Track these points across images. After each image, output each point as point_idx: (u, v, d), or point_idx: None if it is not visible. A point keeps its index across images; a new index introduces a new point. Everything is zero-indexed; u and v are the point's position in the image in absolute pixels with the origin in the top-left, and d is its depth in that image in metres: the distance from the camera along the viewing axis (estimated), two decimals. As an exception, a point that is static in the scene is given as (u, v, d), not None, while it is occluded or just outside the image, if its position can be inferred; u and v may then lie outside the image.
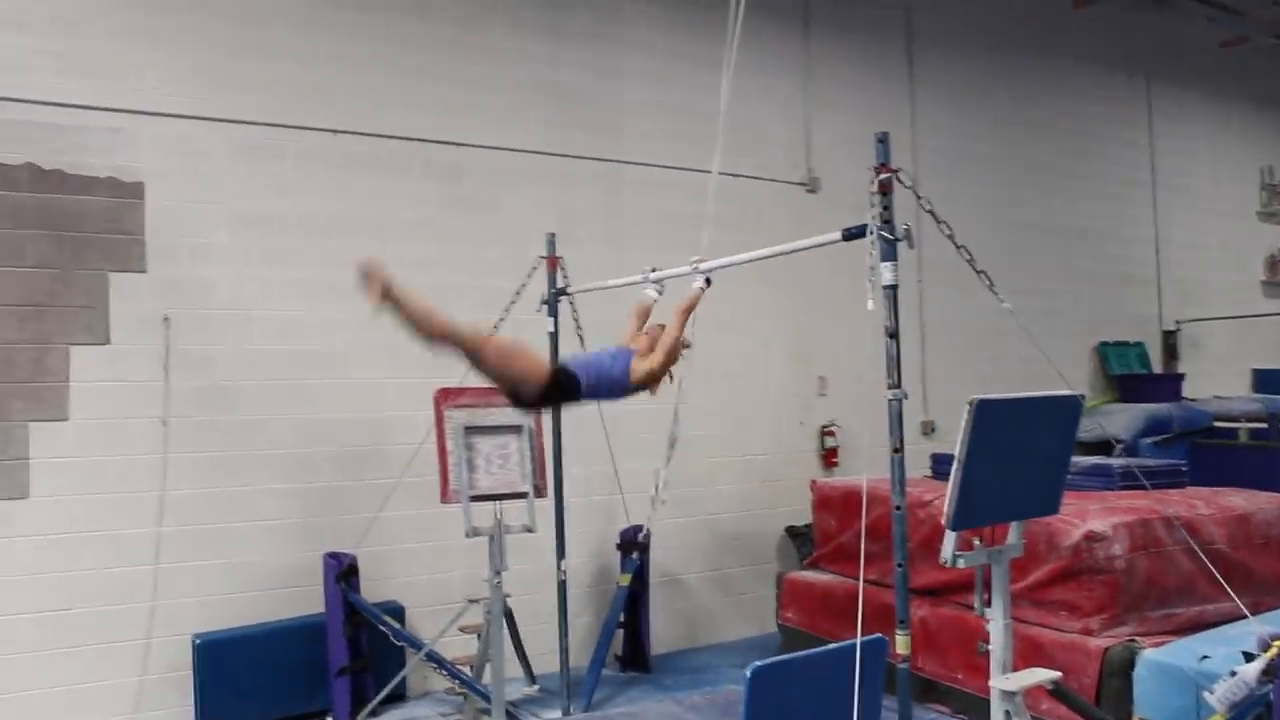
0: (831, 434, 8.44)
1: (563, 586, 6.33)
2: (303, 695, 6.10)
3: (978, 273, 4.01)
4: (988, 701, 3.93)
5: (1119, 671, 5.02)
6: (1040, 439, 4.12)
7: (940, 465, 6.91)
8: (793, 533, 8.07)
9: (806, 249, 4.35)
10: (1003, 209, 9.80)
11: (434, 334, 4.05)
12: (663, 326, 4.39)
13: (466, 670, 6.04)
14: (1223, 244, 12.01)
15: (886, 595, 4.17)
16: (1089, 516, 5.45)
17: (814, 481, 7.55)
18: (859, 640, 2.87)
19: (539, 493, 5.98)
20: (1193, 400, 10.18)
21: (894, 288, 3.76)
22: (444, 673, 6.04)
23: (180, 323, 6.05)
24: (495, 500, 5.77)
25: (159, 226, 6.03)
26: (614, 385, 4.26)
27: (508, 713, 5.79)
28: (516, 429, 5.92)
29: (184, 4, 6.17)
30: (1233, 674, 3.88)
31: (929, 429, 8.91)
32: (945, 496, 3.79)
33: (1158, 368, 11.07)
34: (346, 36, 6.65)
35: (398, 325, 3.98)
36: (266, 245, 6.34)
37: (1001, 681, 3.85)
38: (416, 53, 6.88)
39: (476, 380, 5.85)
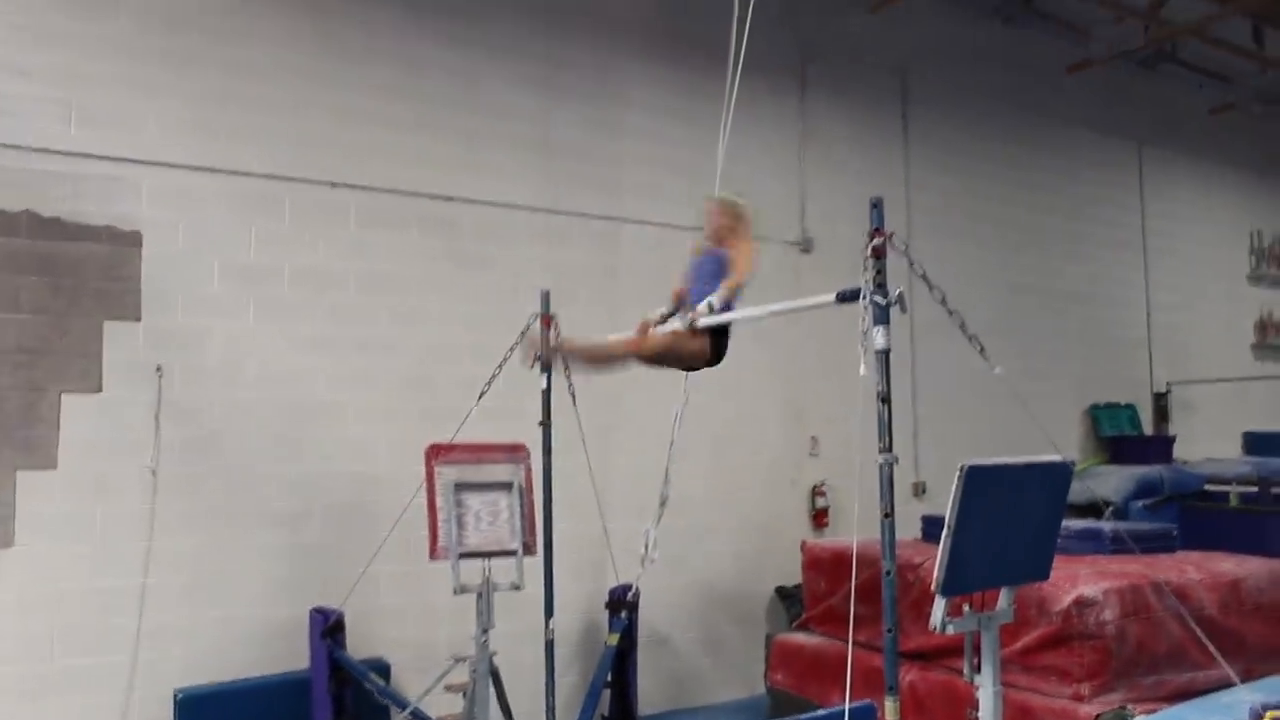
0: (822, 494, 8.43)
1: (550, 645, 6.27)
2: (285, 752, 6.01)
3: (969, 338, 4.03)
4: (978, 770, 3.89)
5: (1110, 739, 4.99)
6: (1031, 504, 4.12)
7: (931, 527, 6.89)
8: (783, 593, 8.03)
9: (800, 310, 4.38)
10: (996, 270, 9.88)
11: (599, 364, 5.17)
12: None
13: (452, 729, 5.97)
14: (1213, 307, 12.09)
15: (876, 659, 4.14)
16: (1079, 581, 5.43)
17: (804, 542, 7.52)
18: (847, 707, 2.84)
19: (528, 550, 5.94)
20: (1184, 463, 10.19)
21: (886, 352, 3.78)
22: (429, 731, 5.97)
23: (173, 372, 6.04)
24: (484, 558, 5.74)
25: (155, 276, 6.04)
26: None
27: (492, 773, 5.72)
28: (507, 486, 5.91)
29: (186, 56, 6.24)
30: (1224, 745, 3.85)
31: (920, 490, 8.90)
32: (935, 559, 3.78)
33: (1149, 430, 11.09)
34: (345, 90, 6.72)
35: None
36: (261, 296, 6.36)
37: (992, 750, 3.82)
38: (414, 107, 6.95)
39: (468, 436, 5.92)
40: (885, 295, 3.74)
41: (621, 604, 6.85)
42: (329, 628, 5.96)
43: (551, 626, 6.23)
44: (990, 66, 10.16)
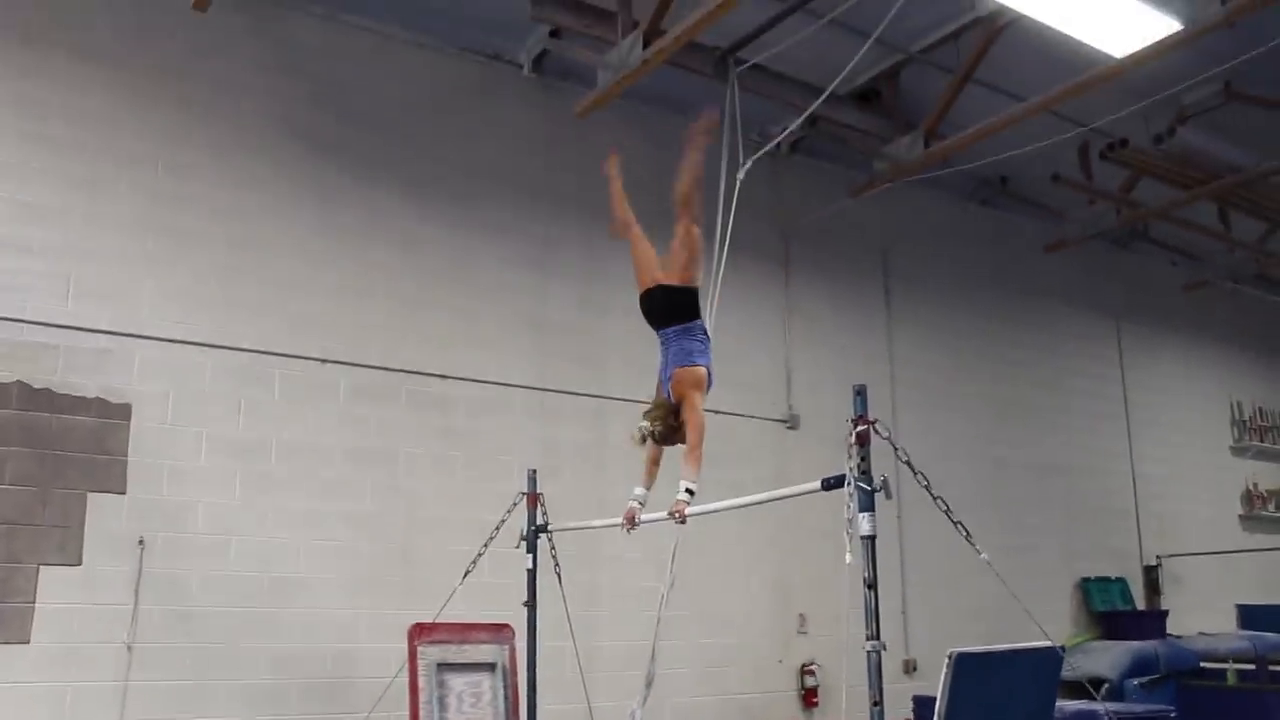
0: (811, 673, 8.26)
1: (533, 834, 6.05)
2: None
3: (954, 524, 4.04)
4: None
5: None
6: (1022, 690, 4.07)
7: (922, 709, 6.74)
8: (773, 776, 7.79)
9: (785, 497, 4.41)
10: (981, 443, 9.94)
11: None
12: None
13: None
14: (1199, 478, 12.12)
15: None
16: (1076, 769, 5.30)
17: (794, 723, 7.35)
18: None
19: (511, 732, 5.80)
20: (1178, 637, 10.04)
21: (872, 539, 3.78)
22: None
23: (155, 545, 5.99)
24: (466, 740, 5.60)
25: (142, 448, 6.06)
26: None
27: None
28: (490, 667, 5.81)
29: (186, 232, 6.42)
30: None
31: (910, 667, 8.74)
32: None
33: (1140, 603, 10.97)
34: (337, 268, 6.89)
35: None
36: (248, 471, 6.36)
37: None
38: (406, 284, 7.11)
39: (451, 614, 5.84)
40: (870, 482, 3.77)
41: (606, 789, 6.63)
42: (303, 815, 5.75)
43: (534, 814, 6.03)
44: (969, 246, 10.46)
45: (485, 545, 6.04)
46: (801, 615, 8.34)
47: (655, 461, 5.22)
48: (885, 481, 3.79)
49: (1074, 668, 7.93)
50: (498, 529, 6.12)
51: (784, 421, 8.67)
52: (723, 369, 7.34)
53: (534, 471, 6.33)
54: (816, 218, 8.93)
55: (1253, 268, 11.37)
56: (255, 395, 6.47)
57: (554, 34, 7.39)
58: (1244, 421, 12.87)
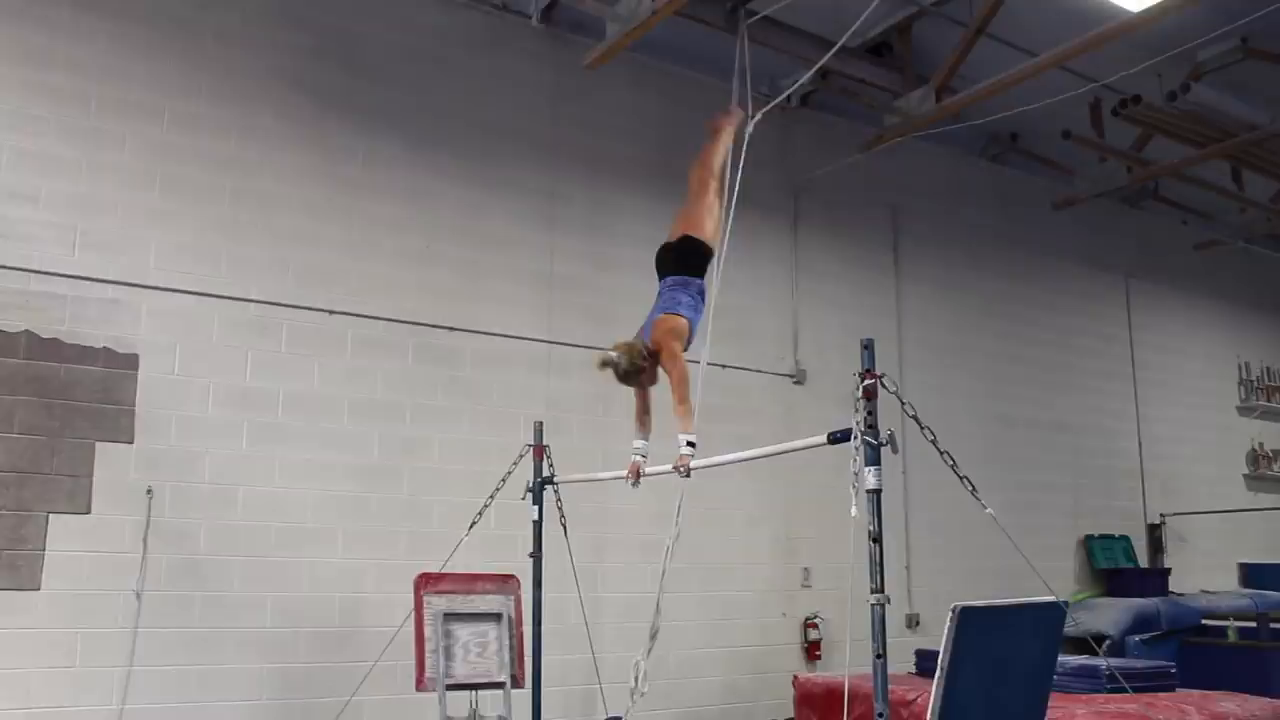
0: (815, 626, 8.33)
1: (537, 780, 6.13)
2: None
3: (960, 478, 4.05)
4: None
5: None
6: (1024, 647, 4.09)
7: (924, 662, 6.80)
8: (775, 727, 7.87)
9: (792, 451, 4.42)
10: (987, 401, 9.94)
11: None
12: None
13: None
14: (1205, 438, 12.12)
15: (870, 800, 4.05)
16: (1076, 723, 5.34)
17: (796, 677, 7.39)
18: None
19: (516, 683, 5.85)
20: (1180, 595, 10.10)
21: (878, 493, 3.79)
22: None
23: (164, 495, 6.03)
24: (471, 689, 5.65)
25: (150, 398, 6.08)
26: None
27: None
28: (496, 617, 5.85)
29: (192, 185, 6.39)
30: None
31: (913, 622, 8.80)
32: (929, 693, 3.73)
33: (1144, 561, 11.01)
34: (343, 220, 6.87)
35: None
36: (255, 422, 6.38)
37: None
38: (416, 238, 7.09)
39: (458, 566, 5.88)
40: (876, 436, 3.77)
41: (611, 738, 6.71)
42: (311, 760, 5.83)
43: (539, 762, 6.11)
44: (979, 202, 10.40)
45: (491, 497, 6.07)
46: (806, 569, 8.39)
47: (646, 410, 5.33)
48: (891, 435, 3.79)
49: (1076, 623, 8.01)
50: (504, 481, 6.16)
51: (790, 376, 8.67)
52: (730, 323, 7.38)
53: (540, 424, 6.36)
54: (826, 172, 8.87)
55: (1265, 227, 11.30)
56: (262, 347, 6.48)
57: (563, -15, 7.33)
58: (1251, 381, 12.85)
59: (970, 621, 3.72)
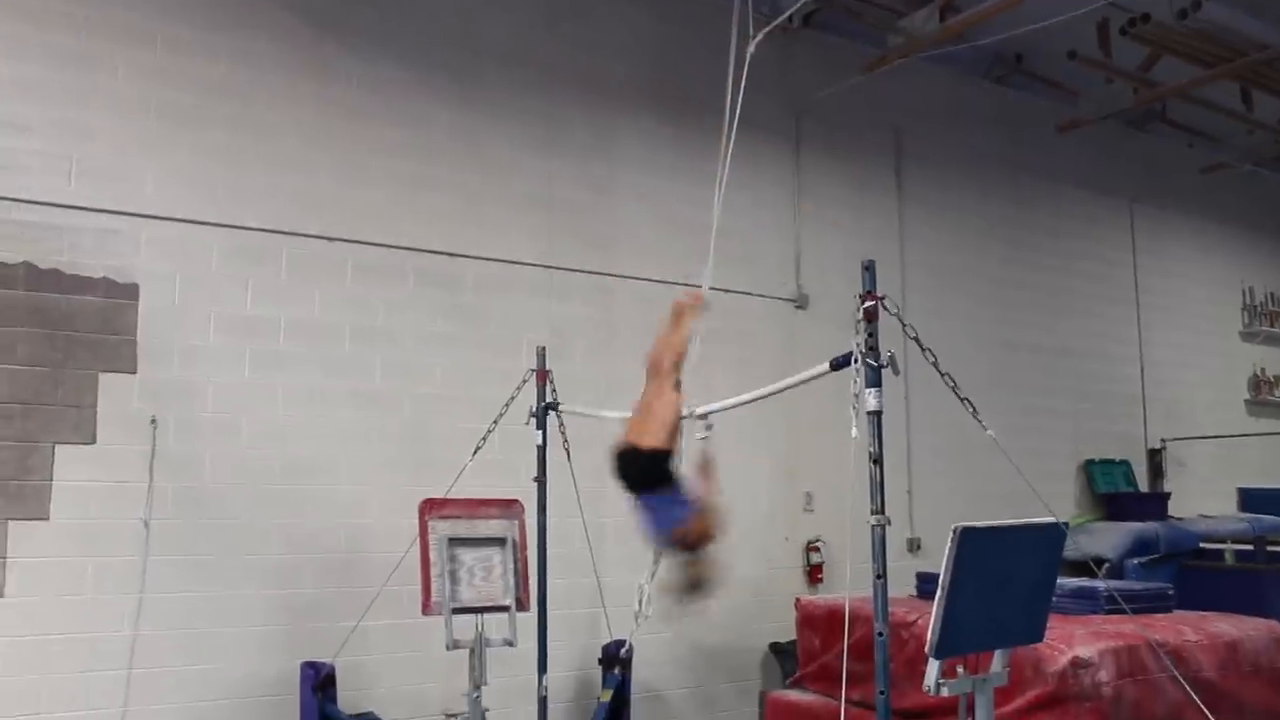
0: (817, 550, 8.41)
1: (544, 702, 6.23)
2: (273, 810, 5.94)
3: (961, 400, 4.05)
4: (972, 835, 3.86)
5: (1106, 803, 4.93)
6: (1025, 566, 4.13)
7: (925, 585, 6.86)
8: (777, 649, 7.97)
9: (795, 385, 4.43)
10: (989, 326, 9.92)
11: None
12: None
13: (442, 787, 5.91)
14: (1207, 363, 12.12)
15: (871, 717, 4.11)
16: (1075, 642, 5.38)
17: (798, 599, 7.47)
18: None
19: (521, 606, 5.92)
20: (1179, 520, 10.17)
21: (878, 414, 3.79)
22: (419, 789, 5.90)
23: (168, 425, 6.04)
24: (477, 613, 5.72)
25: (151, 328, 6.06)
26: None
27: (483, 832, 5.65)
28: (500, 541, 5.89)
29: (187, 112, 6.31)
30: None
31: (914, 546, 8.88)
32: (930, 615, 3.78)
33: (1144, 486, 11.08)
34: (346, 148, 6.79)
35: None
36: (257, 350, 6.38)
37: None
38: (413, 163, 7.02)
39: (462, 491, 5.92)
40: (877, 359, 3.76)
41: (615, 660, 6.79)
42: (320, 682, 5.90)
43: (545, 683, 6.20)
44: (982, 125, 10.28)
45: (495, 422, 6.09)
46: (808, 493, 8.45)
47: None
48: (892, 357, 3.78)
49: (1076, 546, 8.08)
50: (507, 406, 6.17)
51: (792, 301, 8.64)
52: (731, 248, 7.34)
53: (543, 349, 6.36)
54: (828, 94, 8.76)
55: (1273, 150, 11.17)
56: (262, 274, 6.45)
57: (560, -99, 7.17)
58: (1255, 306, 12.81)
59: (971, 542, 3.75)
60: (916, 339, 3.95)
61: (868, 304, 3.82)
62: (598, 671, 6.92)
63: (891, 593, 3.92)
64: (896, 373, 3.78)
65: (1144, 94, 9.65)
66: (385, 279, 6.84)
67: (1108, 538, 9.23)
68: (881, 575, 3.77)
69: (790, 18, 7.52)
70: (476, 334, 7.12)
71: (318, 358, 6.54)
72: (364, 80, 6.90)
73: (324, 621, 6.25)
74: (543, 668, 6.18)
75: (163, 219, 6.16)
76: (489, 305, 7.20)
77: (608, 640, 6.85)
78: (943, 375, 4.01)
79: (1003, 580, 3.96)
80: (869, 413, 3.78)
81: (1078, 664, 5.26)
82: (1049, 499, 4.71)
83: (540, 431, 6.25)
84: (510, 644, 5.73)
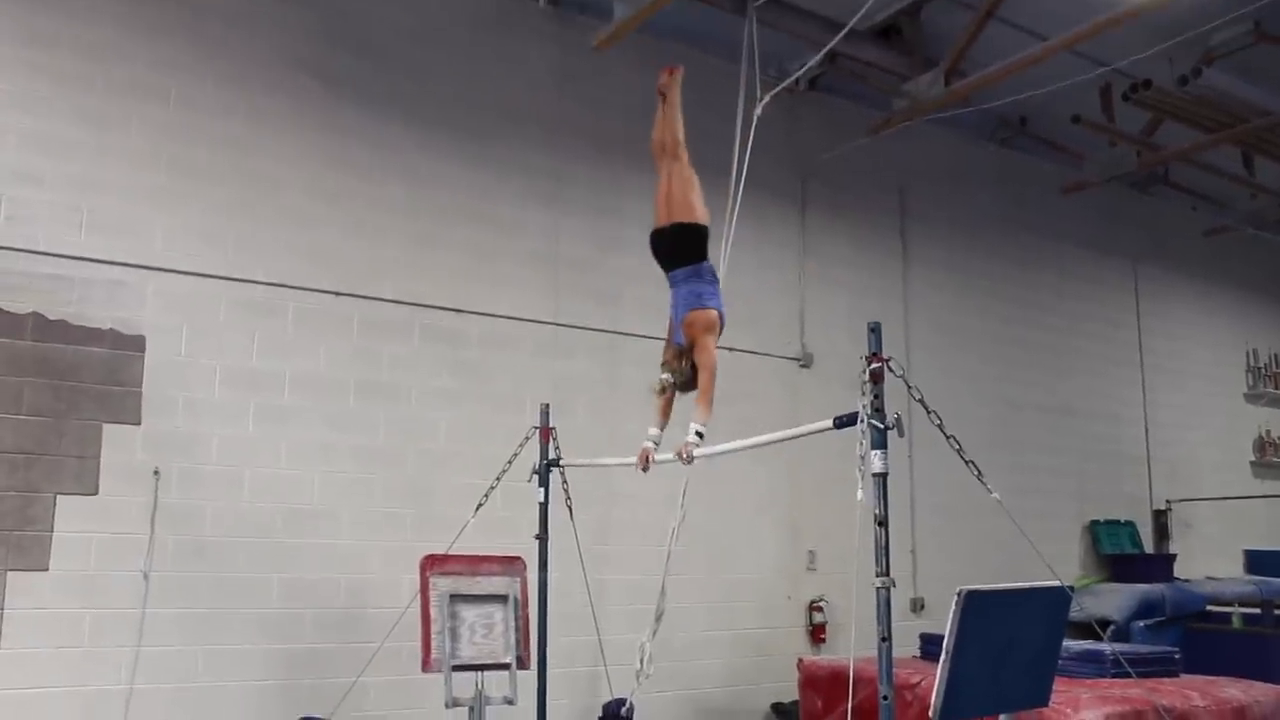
0: (820, 609, 8.35)
1: (542, 762, 6.15)
2: None
3: (966, 463, 4.05)
4: None
5: None
6: (1030, 629, 4.10)
7: (929, 646, 6.80)
8: (779, 710, 7.88)
9: (797, 437, 4.42)
10: (994, 385, 9.93)
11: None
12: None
13: None
14: (1211, 424, 12.10)
15: (874, 784, 4.06)
16: (1080, 706, 5.33)
17: (801, 660, 7.41)
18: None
19: (522, 664, 5.86)
20: (1185, 581, 10.10)
21: (884, 476, 3.79)
22: None
23: (170, 476, 6.04)
24: (477, 670, 5.67)
25: (156, 380, 6.08)
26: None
27: None
28: (502, 598, 5.86)
29: (198, 167, 6.38)
30: None
31: (918, 606, 8.81)
32: (934, 676, 3.74)
33: (1149, 547, 11.02)
34: (355, 205, 6.86)
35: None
36: (261, 403, 6.39)
37: None
38: (421, 220, 7.08)
39: (464, 548, 5.89)
40: (883, 420, 3.77)
41: (616, 718, 6.72)
42: (317, 739, 5.85)
43: (544, 743, 6.13)
44: (987, 187, 10.37)
45: (498, 479, 6.07)
46: (811, 552, 8.40)
47: (669, 403, 5.24)
48: (899, 419, 3.79)
49: (1081, 608, 8.02)
50: (510, 462, 6.15)
51: (797, 359, 8.66)
52: (737, 306, 7.33)
53: (547, 405, 6.36)
54: (834, 156, 8.84)
55: (1275, 213, 11.23)
56: (268, 328, 6.48)
57: (570, -34, 7.30)
58: (1259, 369, 12.82)
59: (975, 605, 3.72)
60: (922, 401, 3.95)
61: (873, 365, 3.83)
62: (598, 731, 6.86)
63: (895, 653, 3.88)
64: (902, 435, 3.78)
65: (1147, 157, 9.74)
66: (391, 334, 6.87)
67: (1113, 599, 9.16)
68: (887, 638, 3.74)
69: (797, 81, 7.62)
70: (481, 390, 7.13)
71: (322, 412, 6.56)
72: (374, 138, 6.98)
73: (323, 676, 6.19)
74: (543, 727, 6.12)
75: (171, 271, 6.21)
76: (494, 361, 7.22)
77: (609, 698, 6.77)
78: (948, 438, 4.01)
79: (1008, 643, 3.93)
80: (874, 474, 3.77)
81: (1084, 730, 5.21)
82: (1054, 560, 4.69)
83: (543, 489, 6.23)
84: (510, 702, 5.67)
